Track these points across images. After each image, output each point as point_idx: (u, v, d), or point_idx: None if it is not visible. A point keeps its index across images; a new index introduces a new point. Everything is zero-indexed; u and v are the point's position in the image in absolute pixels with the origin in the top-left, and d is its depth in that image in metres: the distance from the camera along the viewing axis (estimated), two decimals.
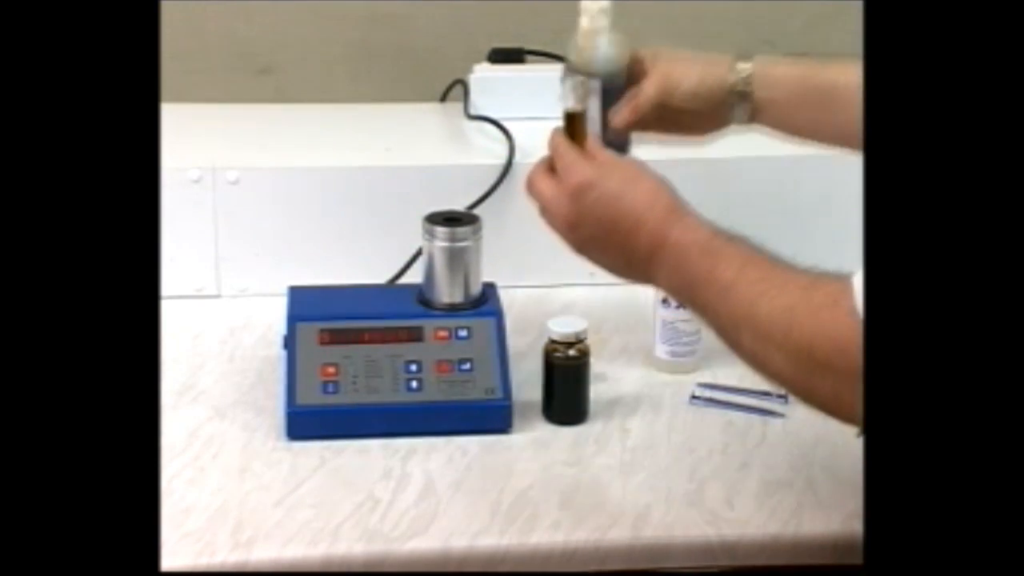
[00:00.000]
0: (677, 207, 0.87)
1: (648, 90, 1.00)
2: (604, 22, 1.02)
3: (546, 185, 0.90)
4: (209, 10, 1.44)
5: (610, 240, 0.88)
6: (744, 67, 0.99)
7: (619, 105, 1.00)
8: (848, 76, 0.96)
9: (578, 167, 0.89)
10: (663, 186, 0.89)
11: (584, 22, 1.02)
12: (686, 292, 0.86)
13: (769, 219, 1.22)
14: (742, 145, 1.11)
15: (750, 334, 0.81)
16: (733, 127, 1.03)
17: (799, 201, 1.26)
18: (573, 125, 0.93)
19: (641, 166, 0.90)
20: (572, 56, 1.02)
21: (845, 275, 0.77)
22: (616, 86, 1.01)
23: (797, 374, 0.79)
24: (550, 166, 0.91)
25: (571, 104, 0.93)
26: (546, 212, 0.91)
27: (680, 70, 1.01)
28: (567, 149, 0.91)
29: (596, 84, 0.99)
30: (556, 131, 0.93)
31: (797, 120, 1.01)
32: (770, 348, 0.80)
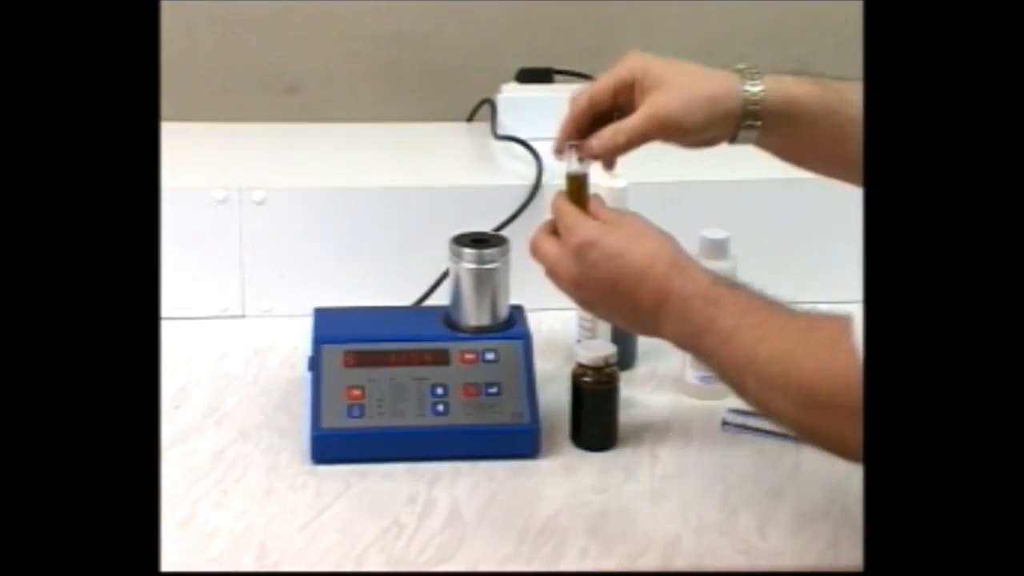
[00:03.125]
0: (679, 260, 0.88)
1: (637, 125, 0.92)
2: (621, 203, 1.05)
3: (549, 246, 0.91)
4: (235, 29, 1.45)
5: (615, 297, 0.89)
6: (755, 90, 0.92)
7: (602, 131, 0.94)
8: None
9: (580, 226, 0.90)
10: (666, 240, 0.90)
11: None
12: (691, 343, 0.87)
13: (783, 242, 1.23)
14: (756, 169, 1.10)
15: (753, 379, 0.83)
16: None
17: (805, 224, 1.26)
18: (575, 187, 0.94)
19: (644, 222, 0.92)
20: None
21: (844, 315, 0.78)
22: None
23: (801, 416, 0.80)
24: (553, 228, 0.93)
25: (573, 168, 0.94)
26: (551, 273, 0.92)
27: (680, 104, 0.91)
28: (569, 209, 0.92)
29: None
30: (558, 194, 0.94)
31: (812, 151, 0.96)
32: (774, 392, 0.81)
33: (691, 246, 1.14)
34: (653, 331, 0.89)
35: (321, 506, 0.97)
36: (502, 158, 1.32)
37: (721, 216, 1.19)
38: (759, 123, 0.92)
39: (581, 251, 0.89)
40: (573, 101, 0.95)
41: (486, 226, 1.16)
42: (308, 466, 1.01)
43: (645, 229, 0.90)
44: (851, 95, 0.93)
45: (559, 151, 0.95)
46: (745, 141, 0.94)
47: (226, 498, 0.98)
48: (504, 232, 1.15)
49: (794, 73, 0.95)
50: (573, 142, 0.94)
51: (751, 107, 0.92)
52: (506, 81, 1.39)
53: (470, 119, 1.43)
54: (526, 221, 1.22)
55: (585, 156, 0.93)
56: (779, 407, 0.82)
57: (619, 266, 0.88)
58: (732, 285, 0.87)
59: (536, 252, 0.92)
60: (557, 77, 1.40)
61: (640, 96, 0.92)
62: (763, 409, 0.84)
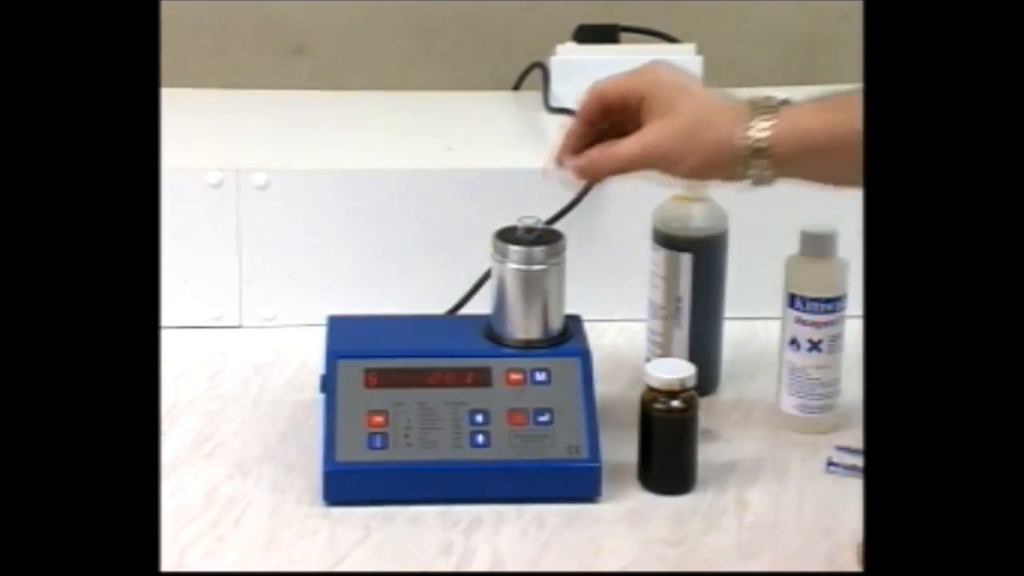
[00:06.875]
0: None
1: (630, 155, 0.98)
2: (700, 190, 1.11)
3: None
4: None
5: None
6: (762, 128, 0.95)
7: (591, 152, 1.00)
8: None
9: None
10: None
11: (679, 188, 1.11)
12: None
13: None
14: None
15: None
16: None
17: None
18: None
19: None
20: (657, 222, 1.13)
21: None
22: (707, 255, 1.12)
23: None
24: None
25: None
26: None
27: (679, 143, 0.96)
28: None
29: (687, 258, 1.12)
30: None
31: (836, 176, 0.97)
32: None
33: (791, 244, 1.14)
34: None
35: (335, 557, 0.97)
36: (556, 135, 1.30)
37: (824, 209, 1.17)
38: (768, 171, 0.95)
39: None
40: (581, 105, 1.01)
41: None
42: (320, 508, 1.01)
43: None
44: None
45: (560, 164, 1.01)
46: (761, 183, 0.96)
47: (220, 545, 0.98)
48: (558, 226, 1.14)
49: (815, 100, 0.96)
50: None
51: (756, 149, 0.95)
52: (561, 41, 1.38)
53: (517, 87, 1.44)
54: (585, 213, 1.22)
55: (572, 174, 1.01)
56: None
57: None
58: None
59: None
60: (623, 36, 1.40)
61: (645, 116, 0.98)
62: None
